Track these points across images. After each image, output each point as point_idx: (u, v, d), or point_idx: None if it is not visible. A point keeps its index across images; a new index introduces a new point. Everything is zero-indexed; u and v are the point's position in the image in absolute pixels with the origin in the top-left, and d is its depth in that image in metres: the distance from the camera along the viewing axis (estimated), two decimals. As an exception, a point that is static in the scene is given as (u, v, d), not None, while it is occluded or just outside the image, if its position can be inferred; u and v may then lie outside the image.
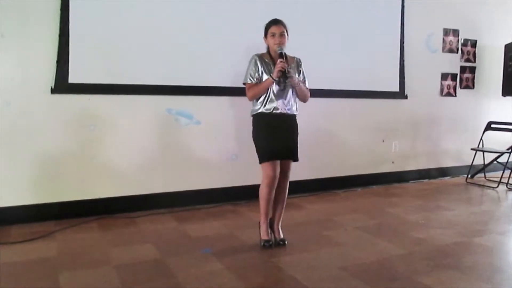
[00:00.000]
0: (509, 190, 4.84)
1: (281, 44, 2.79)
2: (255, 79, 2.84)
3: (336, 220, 3.57)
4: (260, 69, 2.84)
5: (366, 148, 4.83)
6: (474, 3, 5.43)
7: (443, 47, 5.31)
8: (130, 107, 3.64)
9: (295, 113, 2.94)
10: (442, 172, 5.46)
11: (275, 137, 2.85)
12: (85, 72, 3.44)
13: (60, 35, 3.33)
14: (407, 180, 5.15)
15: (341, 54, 4.53)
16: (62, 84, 3.36)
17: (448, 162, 5.51)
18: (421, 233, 3.24)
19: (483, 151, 5.15)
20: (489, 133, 5.17)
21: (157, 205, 3.75)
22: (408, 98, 5.04)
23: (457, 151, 5.50)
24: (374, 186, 4.84)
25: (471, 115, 5.57)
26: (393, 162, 5.05)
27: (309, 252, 2.84)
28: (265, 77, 2.82)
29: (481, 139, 5.15)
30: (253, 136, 2.93)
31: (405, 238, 3.14)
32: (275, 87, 2.83)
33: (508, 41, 5.39)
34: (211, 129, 3.97)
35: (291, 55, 2.93)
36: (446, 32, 5.31)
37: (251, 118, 2.94)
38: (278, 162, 2.85)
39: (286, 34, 2.83)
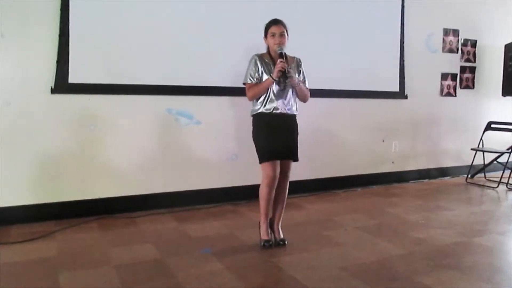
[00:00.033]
0: (509, 190, 4.84)
1: (281, 44, 2.79)
2: (255, 79, 2.84)
3: (336, 220, 3.57)
4: (260, 69, 2.84)
5: (366, 148, 4.83)
6: (474, 3, 5.44)
7: (443, 47, 5.31)
8: (130, 107, 3.64)
9: (295, 113, 2.94)
10: (442, 172, 5.46)
11: (275, 137, 2.85)
12: (85, 72, 3.44)
13: (60, 35, 3.33)
14: (407, 180, 5.15)
15: (341, 54, 4.53)
16: (62, 84, 3.36)
17: (448, 162, 5.51)
18: (421, 233, 3.24)
19: (483, 151, 5.15)
20: (489, 133, 5.17)
21: (157, 205, 3.75)
22: (408, 98, 5.04)
23: (457, 151, 5.50)
24: (374, 186, 4.84)
25: (471, 115, 5.57)
26: (393, 162, 5.05)
27: (309, 252, 2.84)
28: (265, 77, 2.82)
29: (481, 139, 5.15)
30: (253, 136, 2.93)
31: (405, 238, 3.14)
32: (275, 87, 2.83)
33: (508, 41, 5.39)
34: (211, 129, 3.97)
35: (291, 55, 2.93)
36: (446, 32, 5.31)
37: (251, 118, 2.94)
38: (278, 162, 2.85)
39: (286, 34, 2.83)
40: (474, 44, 5.54)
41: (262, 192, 2.85)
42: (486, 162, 5.26)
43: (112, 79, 3.54)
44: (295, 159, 2.94)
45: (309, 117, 3.97)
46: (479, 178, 5.32)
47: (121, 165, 3.62)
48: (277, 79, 2.76)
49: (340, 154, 4.67)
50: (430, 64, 5.22)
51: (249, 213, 3.68)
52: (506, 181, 4.90)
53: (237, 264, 2.63)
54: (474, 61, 5.58)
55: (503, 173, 4.91)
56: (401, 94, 5.00)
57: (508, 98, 5.49)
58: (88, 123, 3.50)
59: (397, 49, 4.92)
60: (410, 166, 5.19)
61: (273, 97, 2.83)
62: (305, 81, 2.98)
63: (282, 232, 3.00)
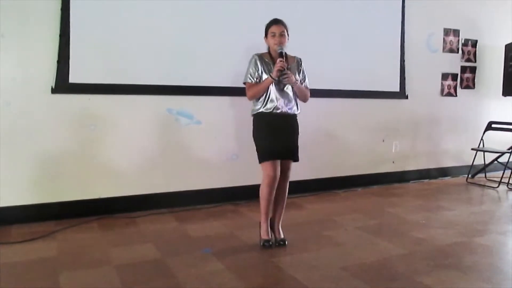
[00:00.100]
0: (510, 190, 4.84)
1: (281, 44, 2.79)
2: (255, 79, 2.84)
3: (337, 220, 3.57)
4: (260, 68, 2.84)
5: (366, 148, 4.83)
6: (474, 3, 5.43)
7: (443, 47, 5.31)
8: (130, 107, 3.64)
9: (296, 113, 2.94)
10: (443, 172, 5.46)
11: (276, 137, 2.84)
12: (86, 72, 3.44)
13: (60, 35, 3.33)
14: (407, 180, 5.14)
15: (341, 54, 4.53)
16: (62, 84, 3.36)
17: (448, 162, 5.50)
18: (421, 233, 3.24)
19: (484, 151, 5.14)
20: (490, 133, 5.17)
21: (157, 205, 3.75)
22: (409, 98, 5.04)
23: (457, 151, 5.50)
24: (375, 186, 4.84)
25: (471, 115, 5.56)
26: (393, 162, 5.05)
27: (309, 252, 2.84)
28: (264, 76, 2.82)
29: (481, 139, 5.15)
30: (253, 136, 2.93)
31: (405, 238, 3.13)
32: (275, 87, 2.83)
33: (509, 41, 5.39)
34: (212, 129, 3.96)
35: (292, 55, 2.93)
36: (447, 32, 5.31)
37: (252, 117, 2.94)
38: (278, 162, 2.84)
39: (286, 34, 2.83)
40: (474, 44, 5.54)
41: (263, 192, 2.85)
42: (486, 162, 5.26)
43: (113, 79, 3.54)
44: (295, 159, 2.94)
45: (309, 117, 3.94)
46: (479, 178, 5.31)
47: (122, 165, 3.62)
48: (276, 78, 2.76)
49: (340, 154, 4.66)
50: (431, 64, 5.21)
51: (249, 213, 3.68)
52: (507, 181, 4.90)
53: (237, 264, 2.63)
54: (475, 61, 5.58)
55: (503, 173, 4.90)
56: (401, 94, 4.99)
57: (508, 98, 5.48)
58: (88, 123, 3.50)
59: (398, 49, 4.92)
60: (410, 166, 5.19)
61: (274, 97, 2.83)
62: (305, 80, 2.98)
63: (283, 232, 3.00)
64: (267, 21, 2.88)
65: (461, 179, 5.36)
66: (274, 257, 2.76)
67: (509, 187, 4.89)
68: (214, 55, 3.88)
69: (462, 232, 3.31)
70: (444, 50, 5.31)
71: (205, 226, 3.39)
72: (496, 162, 5.34)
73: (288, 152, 2.90)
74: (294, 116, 2.94)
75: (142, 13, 3.60)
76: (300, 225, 3.43)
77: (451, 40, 5.34)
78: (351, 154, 4.73)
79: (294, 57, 2.96)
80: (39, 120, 3.33)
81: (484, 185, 5.03)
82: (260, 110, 2.86)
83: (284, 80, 2.78)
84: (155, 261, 2.66)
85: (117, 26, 3.53)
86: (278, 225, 3.01)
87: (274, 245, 2.92)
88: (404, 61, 4.95)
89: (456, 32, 5.37)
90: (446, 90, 5.36)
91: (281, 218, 3.02)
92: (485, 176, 5.30)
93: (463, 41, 5.44)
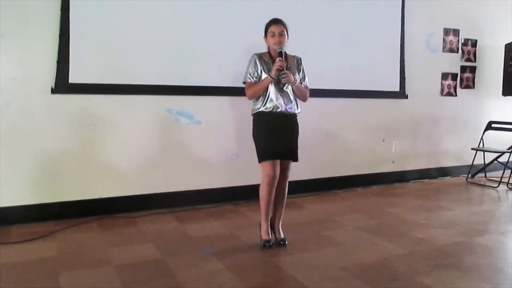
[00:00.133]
0: (510, 190, 4.84)
1: (280, 43, 2.79)
2: (254, 78, 2.84)
3: (337, 220, 3.57)
4: (260, 68, 2.84)
5: (366, 148, 4.83)
6: (474, 3, 5.43)
7: (443, 47, 5.31)
8: (130, 107, 3.64)
9: (295, 112, 2.94)
10: (443, 172, 5.46)
11: (275, 137, 2.84)
12: (86, 72, 3.44)
13: (60, 35, 3.33)
14: (407, 180, 5.14)
15: (341, 54, 4.53)
16: (62, 84, 3.36)
17: (448, 162, 5.50)
18: (421, 233, 3.24)
19: (484, 151, 5.15)
20: (490, 132, 5.17)
21: (158, 205, 3.75)
22: (409, 98, 5.04)
23: (457, 151, 5.50)
24: (375, 186, 4.84)
25: (471, 115, 5.56)
26: (393, 162, 5.05)
27: (309, 252, 2.84)
28: (264, 76, 2.82)
29: (481, 138, 5.15)
30: (253, 135, 2.93)
31: (405, 238, 3.13)
32: (275, 86, 2.83)
33: (509, 41, 5.39)
34: (212, 129, 3.96)
35: (292, 54, 2.93)
36: (447, 31, 5.31)
37: (252, 117, 2.94)
38: (277, 162, 2.84)
39: (286, 33, 2.83)
40: (474, 43, 5.54)
41: (262, 192, 2.85)
42: (486, 162, 5.26)
43: (112, 79, 3.54)
44: (295, 159, 2.94)
45: (310, 117, 3.93)
46: (479, 178, 5.31)
47: (122, 165, 3.62)
48: (275, 78, 2.76)
49: (340, 154, 4.66)
50: (431, 63, 5.21)
51: (249, 213, 3.68)
52: (507, 181, 4.90)
53: (237, 264, 2.63)
54: (475, 61, 5.58)
55: (503, 172, 4.90)
56: (401, 94, 4.99)
57: (508, 97, 5.48)
58: (88, 123, 3.50)
59: (398, 49, 4.92)
60: (410, 166, 5.19)
61: (273, 96, 2.83)
62: (305, 79, 2.98)
63: (283, 232, 3.00)
64: (267, 21, 2.88)
65: (461, 179, 5.36)
66: (274, 257, 2.76)
67: (509, 187, 4.89)
68: (214, 55, 3.88)
69: (462, 232, 3.31)
70: (444, 50, 5.31)
71: (205, 226, 3.39)
72: (496, 162, 5.34)
73: (287, 152, 2.90)
74: (294, 116, 2.94)
75: (142, 13, 3.60)
76: (300, 225, 3.43)
77: (451, 40, 5.34)
78: (351, 154, 4.73)
79: (294, 56, 2.96)
80: (39, 120, 3.33)
81: (484, 185, 5.03)
82: (260, 110, 2.86)
83: (283, 79, 2.78)
84: (155, 261, 2.66)
85: (117, 26, 3.53)
86: (278, 225, 3.01)
87: (274, 245, 2.92)
88: (404, 61, 4.95)
89: (456, 32, 5.37)
90: (446, 90, 5.36)
91: (281, 218, 3.02)
92: (485, 176, 5.30)
93: (463, 41, 5.44)
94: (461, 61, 5.47)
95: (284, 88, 2.86)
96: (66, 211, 3.42)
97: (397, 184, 4.99)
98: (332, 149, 4.62)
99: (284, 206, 3.00)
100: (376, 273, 2.53)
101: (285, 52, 2.80)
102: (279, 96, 2.84)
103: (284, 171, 2.91)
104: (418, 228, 3.39)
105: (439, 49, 5.28)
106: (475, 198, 4.59)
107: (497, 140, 5.23)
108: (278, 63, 2.72)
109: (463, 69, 5.50)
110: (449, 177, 5.46)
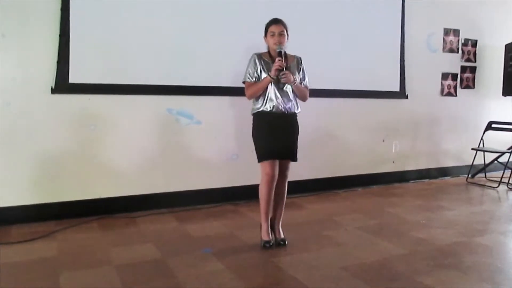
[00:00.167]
0: (510, 190, 4.84)
1: (280, 43, 2.79)
2: (254, 78, 2.84)
3: (337, 220, 3.57)
4: (259, 68, 2.84)
5: (366, 148, 4.83)
6: (474, 3, 5.43)
7: (443, 47, 5.31)
8: (130, 107, 3.64)
9: (295, 112, 2.94)
10: (443, 172, 5.46)
11: (275, 137, 2.84)
12: (86, 72, 3.44)
13: (60, 35, 3.33)
14: (407, 180, 5.14)
15: (341, 54, 4.53)
16: (62, 84, 3.36)
17: (448, 162, 5.50)
18: (421, 233, 3.24)
19: (484, 151, 5.14)
20: (490, 133, 5.17)
21: (158, 205, 3.75)
22: (409, 98, 5.04)
23: (457, 151, 5.50)
24: (375, 186, 4.84)
25: (471, 115, 5.56)
26: (393, 162, 5.05)
27: (309, 252, 2.84)
28: (263, 75, 2.82)
29: (481, 139, 5.15)
30: (252, 135, 2.93)
31: (405, 238, 3.13)
32: (274, 86, 2.83)
33: (509, 41, 5.39)
34: (212, 129, 3.96)
35: (292, 54, 2.93)
36: (447, 32, 5.31)
37: (252, 116, 2.94)
38: (277, 162, 2.84)
39: (285, 33, 2.83)
40: (474, 44, 5.54)
41: (261, 192, 2.85)
42: (486, 162, 5.26)
43: (113, 79, 3.54)
44: (294, 159, 2.94)
45: (309, 117, 3.94)
46: (479, 178, 5.31)
47: (122, 165, 3.62)
48: (274, 77, 2.76)
49: (340, 154, 4.66)
50: (431, 64, 5.21)
51: (249, 213, 3.68)
52: (507, 181, 4.90)
53: (237, 264, 2.62)
54: (475, 61, 5.58)
55: (503, 173, 4.90)
56: (401, 94, 4.99)
57: (508, 98, 5.49)
58: (88, 123, 3.50)
59: (398, 49, 4.92)
60: (410, 166, 5.19)
61: (273, 96, 2.83)
62: (305, 79, 2.98)
63: (283, 232, 3.00)
64: (267, 21, 2.88)
65: (461, 179, 5.36)
66: (274, 257, 2.76)
67: (509, 187, 4.89)
68: (214, 55, 3.88)
69: (462, 232, 3.31)
70: (444, 50, 5.31)
71: (205, 226, 3.39)
72: (496, 162, 5.34)
73: (287, 152, 2.90)
74: (294, 116, 2.94)
75: (142, 13, 3.60)
76: (300, 225, 3.43)
77: (451, 40, 5.34)
78: (351, 154, 4.73)
79: (294, 56, 2.96)
80: (39, 120, 3.33)
81: (484, 185, 5.03)
82: (260, 109, 2.86)
83: (282, 79, 2.78)
84: (155, 261, 2.66)
85: (117, 26, 3.53)
86: (278, 225, 3.01)
87: (274, 245, 2.92)
88: (404, 61, 4.95)
89: (456, 32, 5.37)
90: (446, 90, 5.36)
91: (281, 218, 3.02)
92: (485, 176, 5.30)
93: (463, 41, 5.44)
94: (461, 61, 5.47)
95: (284, 88, 2.85)
96: (66, 211, 3.42)
97: (397, 184, 4.99)
98: (332, 149, 4.62)
99: (284, 206, 3.00)
100: (376, 273, 2.53)
101: (284, 52, 2.81)
102: (278, 96, 2.84)
103: (283, 171, 2.91)
104: (418, 228, 3.39)
105: (439, 49, 5.28)
106: (475, 198, 4.59)
107: (497, 140, 5.23)
108: (277, 63, 2.73)
109: (463, 69, 5.50)
110: (449, 177, 5.46)
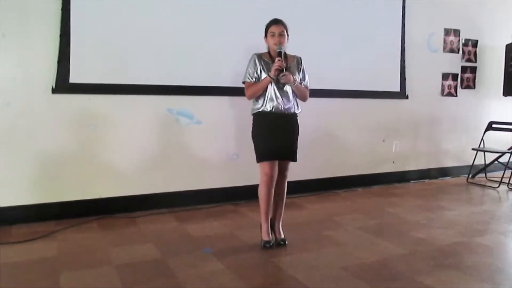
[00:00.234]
0: (510, 190, 4.83)
1: (280, 43, 2.79)
2: (254, 78, 2.84)
3: (337, 220, 3.57)
4: (259, 68, 2.84)
5: (366, 148, 4.83)
6: (475, 3, 5.43)
7: (444, 47, 5.30)
8: (130, 107, 3.64)
9: (296, 112, 2.94)
10: (443, 172, 5.45)
11: (275, 137, 2.84)
12: (86, 72, 3.44)
13: (61, 35, 3.33)
14: (407, 180, 5.14)
15: (341, 54, 4.53)
16: (63, 84, 3.36)
17: (449, 162, 5.50)
18: (421, 233, 3.24)
19: (484, 151, 5.14)
20: (490, 133, 5.17)
21: (158, 205, 3.75)
22: (409, 98, 5.04)
23: (458, 151, 5.49)
24: (375, 186, 4.84)
25: (472, 115, 5.56)
26: (393, 162, 5.05)
27: (309, 252, 2.83)
28: (263, 76, 2.82)
29: (482, 139, 5.15)
30: (252, 135, 2.93)
31: (405, 238, 3.13)
32: (274, 86, 2.82)
33: (509, 41, 5.39)
34: (212, 129, 3.96)
35: (292, 54, 2.93)
36: (447, 32, 5.31)
37: (252, 117, 2.94)
38: (276, 162, 2.84)
39: (286, 34, 2.82)
40: (475, 44, 5.54)
41: (261, 192, 2.85)
42: (487, 162, 5.26)
43: (113, 79, 3.54)
44: (294, 159, 2.94)
45: (309, 117, 3.93)
46: (480, 178, 5.31)
47: (122, 165, 3.62)
48: (274, 77, 2.76)
49: (340, 154, 4.66)
50: (431, 64, 5.21)
51: (249, 213, 3.68)
52: (507, 181, 4.89)
53: (237, 264, 2.62)
54: (475, 61, 5.58)
55: (504, 173, 4.90)
56: (401, 94, 4.99)
57: (509, 98, 5.48)
58: (88, 123, 3.50)
59: (398, 49, 4.92)
60: (410, 166, 5.18)
61: (273, 96, 2.83)
62: (305, 79, 2.97)
63: (283, 232, 3.00)
64: (267, 21, 2.88)
65: (462, 179, 5.36)
66: (274, 257, 2.75)
67: (510, 187, 4.89)
68: (214, 55, 3.88)
69: (462, 232, 3.31)
70: (444, 50, 5.31)
71: (205, 226, 3.39)
72: (496, 162, 5.34)
73: (287, 152, 2.90)
74: (294, 116, 2.94)
75: (142, 13, 3.60)
76: (300, 225, 3.43)
77: (451, 40, 5.34)
78: (351, 154, 4.73)
79: (294, 56, 2.96)
80: (39, 120, 3.33)
81: (484, 185, 5.02)
82: (260, 109, 2.86)
83: (282, 79, 2.78)
84: (155, 261, 2.66)
85: (117, 26, 3.53)
86: (279, 225, 3.01)
87: (275, 245, 2.92)
88: (404, 61, 4.95)
89: (456, 32, 5.36)
90: (446, 90, 5.36)
91: (281, 218, 3.02)
92: (486, 176, 5.30)
93: (463, 41, 5.44)
94: (461, 61, 5.47)
95: (284, 88, 2.85)
96: (66, 211, 3.42)
97: (397, 184, 4.99)
98: (332, 149, 4.61)
99: (284, 206, 3.00)
100: (376, 273, 2.53)
101: (284, 52, 2.81)
102: (279, 96, 2.83)
103: (282, 172, 2.91)
104: (418, 228, 3.38)
105: (439, 49, 5.27)
106: (476, 198, 4.59)
107: (498, 140, 5.23)
108: (277, 63, 2.73)
109: (464, 69, 5.49)
110: (450, 177, 5.46)
